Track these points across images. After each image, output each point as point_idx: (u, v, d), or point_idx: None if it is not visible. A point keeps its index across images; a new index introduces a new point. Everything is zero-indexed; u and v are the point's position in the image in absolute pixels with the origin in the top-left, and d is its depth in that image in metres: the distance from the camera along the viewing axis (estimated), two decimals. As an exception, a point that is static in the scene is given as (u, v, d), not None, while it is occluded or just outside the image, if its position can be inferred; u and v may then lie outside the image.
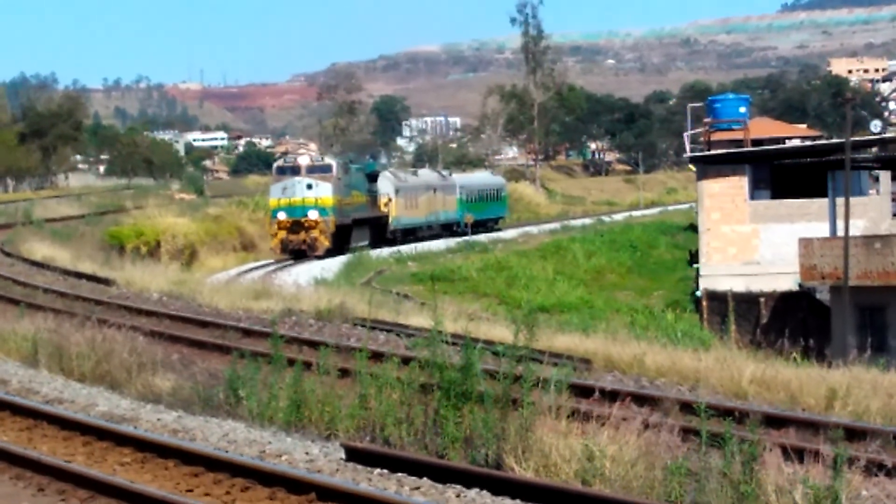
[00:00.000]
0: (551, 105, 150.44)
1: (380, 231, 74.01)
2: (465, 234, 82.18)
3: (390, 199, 75.41)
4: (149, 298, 37.81)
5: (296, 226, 63.96)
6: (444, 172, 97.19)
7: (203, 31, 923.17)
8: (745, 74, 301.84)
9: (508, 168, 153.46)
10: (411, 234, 78.46)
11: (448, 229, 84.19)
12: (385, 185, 75.46)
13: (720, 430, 15.10)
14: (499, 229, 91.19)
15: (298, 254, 63.73)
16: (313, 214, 63.74)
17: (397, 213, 76.29)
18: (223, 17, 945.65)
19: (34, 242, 56.44)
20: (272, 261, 64.48)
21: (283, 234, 64.29)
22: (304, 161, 67.73)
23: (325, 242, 64.07)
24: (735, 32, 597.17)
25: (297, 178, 64.81)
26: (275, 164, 73.96)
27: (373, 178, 73.48)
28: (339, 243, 66.02)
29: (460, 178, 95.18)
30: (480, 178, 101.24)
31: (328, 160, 69.91)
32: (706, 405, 17.30)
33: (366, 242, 70.37)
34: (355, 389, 18.20)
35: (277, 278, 51.14)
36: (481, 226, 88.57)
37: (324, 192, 64.29)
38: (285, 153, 77.69)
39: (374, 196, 72.94)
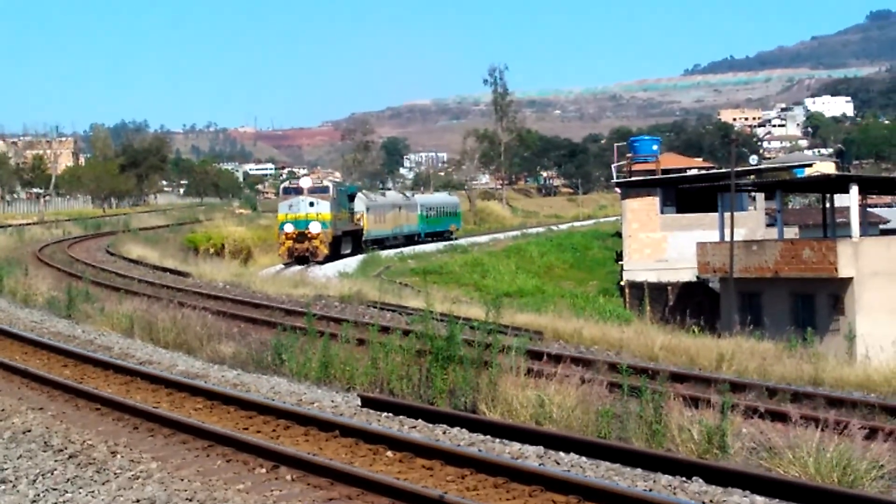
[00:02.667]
0: (514, 144, 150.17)
1: (357, 241, 68.67)
2: (422, 242, 78.71)
3: (362, 215, 70.02)
4: (216, 286, 37.78)
5: (300, 236, 59.76)
6: (408, 193, 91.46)
7: (257, 87, 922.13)
8: (657, 121, 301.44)
9: (482, 190, 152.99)
10: (380, 243, 72.68)
11: (410, 240, 78.87)
12: (359, 204, 70.29)
13: (638, 384, 15.14)
14: (454, 238, 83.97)
15: (302, 259, 59.44)
16: (315, 227, 59.75)
17: (368, 226, 71.01)
18: (272, 77, 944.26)
19: (131, 245, 56.41)
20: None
21: (289, 243, 59.94)
22: (306, 183, 63.36)
23: (324, 250, 59.86)
24: (650, 90, 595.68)
25: (301, 197, 60.70)
26: (281, 186, 68.74)
27: (351, 198, 68.74)
28: (334, 251, 61.89)
29: (421, 198, 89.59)
30: (438, 198, 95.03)
31: (325, 183, 65.95)
32: (627, 365, 17.39)
33: (349, 251, 65.36)
34: (368, 354, 18.23)
35: (311, 272, 50.98)
36: (438, 235, 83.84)
37: (323, 208, 60.37)
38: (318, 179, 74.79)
39: (352, 213, 68.07)
